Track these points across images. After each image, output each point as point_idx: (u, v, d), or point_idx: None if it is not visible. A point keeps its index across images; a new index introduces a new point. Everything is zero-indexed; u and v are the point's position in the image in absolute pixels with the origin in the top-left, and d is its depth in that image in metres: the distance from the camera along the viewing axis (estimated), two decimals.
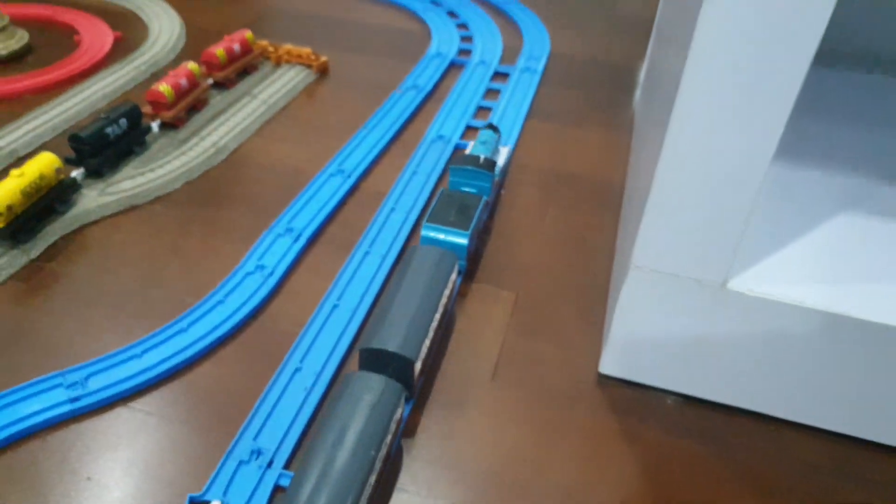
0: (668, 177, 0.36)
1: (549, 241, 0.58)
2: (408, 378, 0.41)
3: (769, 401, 0.43)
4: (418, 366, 0.41)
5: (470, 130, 0.70)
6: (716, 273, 0.38)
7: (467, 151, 0.58)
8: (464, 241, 0.50)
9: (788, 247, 0.42)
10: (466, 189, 0.55)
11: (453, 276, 0.47)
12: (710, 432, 0.43)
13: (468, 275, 0.53)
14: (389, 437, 0.37)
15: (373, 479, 0.35)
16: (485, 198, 0.54)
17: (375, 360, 0.41)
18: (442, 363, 0.46)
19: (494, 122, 0.70)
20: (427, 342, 0.43)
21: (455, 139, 0.68)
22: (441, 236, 0.50)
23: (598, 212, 0.61)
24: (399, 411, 0.38)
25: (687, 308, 0.40)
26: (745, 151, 0.34)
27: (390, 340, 0.41)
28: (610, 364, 0.45)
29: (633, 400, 0.45)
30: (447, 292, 0.46)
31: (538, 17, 0.97)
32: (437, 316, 0.44)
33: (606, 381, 0.46)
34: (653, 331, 0.42)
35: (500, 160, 0.60)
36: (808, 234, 0.43)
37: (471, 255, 0.53)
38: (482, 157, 0.56)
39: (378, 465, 0.36)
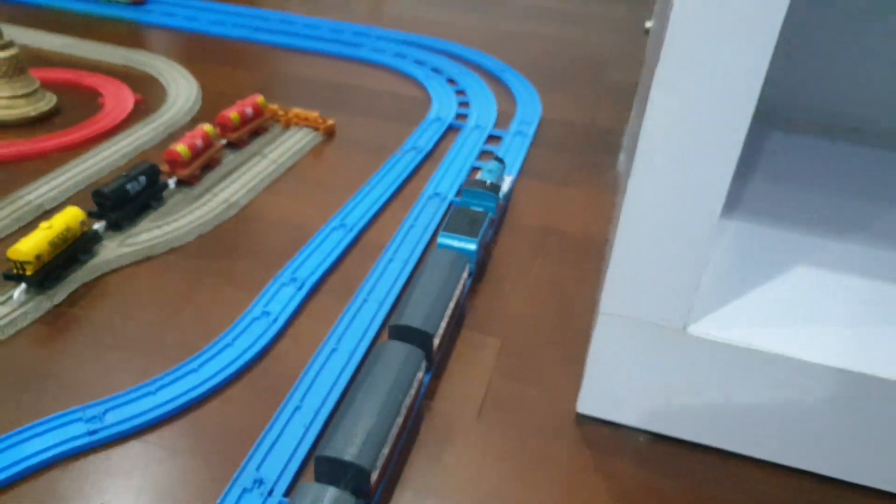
0: (630, 230, 0.40)
1: (534, 291, 0.62)
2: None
3: (732, 438, 0.46)
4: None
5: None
6: (676, 319, 0.43)
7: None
8: (473, 246, 0.60)
9: (745, 295, 0.46)
10: (475, 207, 0.64)
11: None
12: (679, 468, 0.46)
13: (458, 322, 0.57)
14: None
15: None
16: (490, 215, 0.63)
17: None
18: (431, 403, 0.50)
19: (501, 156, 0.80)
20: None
21: (451, 196, 0.73)
22: (455, 243, 0.60)
23: (582, 265, 0.65)
24: None
25: (652, 351, 0.44)
26: (695, 208, 0.38)
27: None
28: (586, 404, 0.49)
29: (607, 437, 0.48)
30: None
31: (531, 84, 1.03)
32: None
33: (584, 420, 0.49)
34: (623, 373, 0.46)
35: (505, 186, 0.71)
36: (763, 284, 0.47)
37: (479, 261, 0.62)
38: (489, 181, 0.66)
39: None
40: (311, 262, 0.62)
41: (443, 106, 0.94)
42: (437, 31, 1.22)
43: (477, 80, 1.03)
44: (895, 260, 0.50)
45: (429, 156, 0.83)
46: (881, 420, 0.42)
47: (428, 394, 0.51)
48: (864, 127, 0.69)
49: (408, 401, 0.45)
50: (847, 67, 0.67)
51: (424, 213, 0.70)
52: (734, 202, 0.55)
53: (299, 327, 0.56)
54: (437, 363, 0.53)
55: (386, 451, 0.41)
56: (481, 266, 0.64)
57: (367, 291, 0.59)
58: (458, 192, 0.73)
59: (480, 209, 0.63)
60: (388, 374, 0.45)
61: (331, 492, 0.38)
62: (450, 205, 0.72)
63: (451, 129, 0.89)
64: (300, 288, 0.59)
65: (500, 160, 0.72)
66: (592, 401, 0.49)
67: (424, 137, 0.85)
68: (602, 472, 0.46)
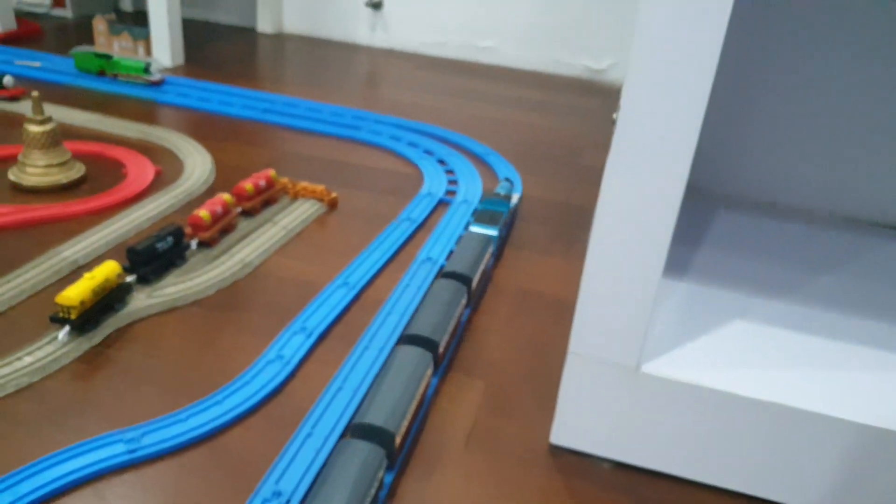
0: (592, 283, 0.50)
1: (515, 342, 0.71)
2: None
3: (684, 465, 0.54)
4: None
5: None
6: (631, 358, 0.51)
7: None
8: (495, 232, 0.84)
9: (691, 342, 0.55)
10: (493, 209, 0.90)
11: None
12: (638, 492, 0.54)
13: (448, 365, 0.66)
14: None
15: None
16: (504, 216, 0.87)
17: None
18: (421, 435, 0.58)
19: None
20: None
21: (441, 261, 0.82)
22: (483, 230, 0.83)
23: (558, 322, 0.74)
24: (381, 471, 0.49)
25: (612, 387, 0.53)
26: (641, 266, 0.48)
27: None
28: (558, 436, 0.57)
29: (576, 465, 0.56)
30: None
31: (513, 166, 1.15)
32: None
33: (557, 450, 0.57)
34: (589, 407, 0.54)
35: (513, 200, 0.95)
36: (707, 333, 0.56)
37: (501, 242, 0.85)
38: (503, 192, 0.94)
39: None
40: (319, 313, 0.71)
41: (434, 183, 1.05)
42: (428, 117, 1.34)
43: (464, 160, 1.14)
44: (815, 316, 0.60)
45: (421, 226, 0.92)
46: (804, 445, 0.50)
47: (421, 426, 0.58)
48: (794, 206, 0.80)
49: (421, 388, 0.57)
50: (778, 158, 0.79)
51: (418, 275, 0.79)
52: (683, 267, 0.65)
53: (309, 369, 0.64)
54: (429, 401, 0.61)
55: (405, 422, 0.53)
56: (468, 321, 0.73)
57: (369, 339, 0.67)
58: (480, 200, 0.99)
59: (499, 209, 0.89)
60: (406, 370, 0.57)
61: (364, 443, 0.50)
62: (474, 210, 0.95)
63: (442, 203, 0.99)
64: (309, 336, 0.67)
65: (511, 181, 1.01)
66: (564, 433, 0.57)
67: (418, 210, 0.96)
68: (571, 495, 0.54)
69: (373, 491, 0.48)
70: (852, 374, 0.53)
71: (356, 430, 0.52)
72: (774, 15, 0.73)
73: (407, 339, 0.63)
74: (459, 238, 0.82)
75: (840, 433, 0.49)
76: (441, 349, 0.63)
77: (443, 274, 0.73)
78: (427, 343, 0.62)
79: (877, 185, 0.77)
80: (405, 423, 0.54)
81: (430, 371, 0.60)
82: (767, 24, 0.73)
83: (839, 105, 0.75)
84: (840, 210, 0.80)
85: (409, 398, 0.55)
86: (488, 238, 0.81)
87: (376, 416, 0.52)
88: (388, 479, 0.52)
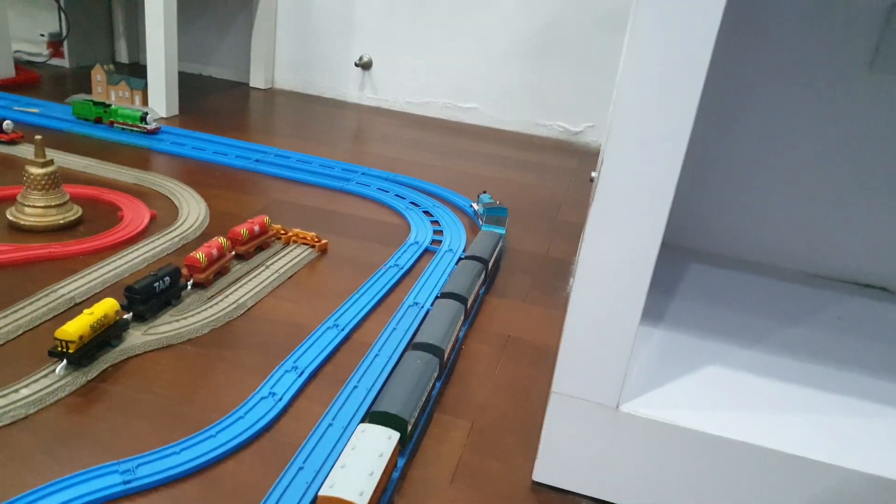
0: (574, 327, 0.53)
1: (498, 384, 0.73)
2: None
3: (662, 502, 0.57)
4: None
5: None
6: (611, 398, 0.55)
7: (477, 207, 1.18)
8: (503, 231, 1.04)
9: (667, 384, 0.58)
10: (498, 213, 1.12)
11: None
12: None
13: (434, 406, 0.68)
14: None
15: None
16: (505, 215, 1.10)
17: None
18: (409, 471, 0.60)
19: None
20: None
21: (427, 306, 0.85)
22: (493, 230, 1.03)
23: (540, 366, 0.78)
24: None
25: (593, 426, 0.56)
26: (620, 314, 0.52)
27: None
28: (541, 473, 0.59)
29: (558, 502, 0.58)
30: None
31: None
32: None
33: (539, 487, 0.59)
34: (570, 445, 0.57)
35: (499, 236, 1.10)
36: (682, 377, 0.60)
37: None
38: (489, 199, 1.17)
39: None
40: (310, 353, 0.73)
41: (420, 232, 1.09)
42: (414, 172, 1.39)
43: (449, 212, 1.19)
44: (784, 363, 0.64)
45: (408, 273, 0.96)
46: (776, 485, 0.53)
47: (408, 462, 0.60)
48: (766, 262, 0.85)
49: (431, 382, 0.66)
50: (747, 217, 0.84)
51: (405, 319, 0.82)
52: (659, 315, 0.69)
53: (300, 406, 0.66)
54: (417, 439, 0.63)
55: (416, 412, 0.61)
56: (453, 362, 0.76)
57: (357, 379, 0.70)
58: (480, 215, 1.16)
59: (502, 214, 1.11)
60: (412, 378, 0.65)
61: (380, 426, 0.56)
62: (483, 213, 1.14)
63: (428, 252, 1.03)
64: (300, 374, 0.70)
65: (485, 192, 1.23)
66: (546, 470, 0.59)
67: (404, 257, 0.99)
68: None
69: None
70: (823, 417, 0.57)
71: None
72: (745, 79, 0.79)
73: (415, 346, 0.72)
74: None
75: (810, 473, 0.52)
76: (445, 356, 0.72)
77: (466, 257, 0.93)
78: (434, 349, 0.70)
79: (842, 243, 0.83)
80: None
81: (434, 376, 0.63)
82: (739, 86, 0.80)
83: (807, 167, 0.81)
84: (806, 266, 0.85)
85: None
86: (499, 235, 1.03)
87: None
88: None
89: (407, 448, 0.61)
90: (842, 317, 0.75)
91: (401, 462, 0.60)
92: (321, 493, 0.50)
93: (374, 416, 0.59)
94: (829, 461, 0.52)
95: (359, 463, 0.53)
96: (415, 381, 0.64)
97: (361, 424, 0.58)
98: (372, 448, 0.55)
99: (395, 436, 0.56)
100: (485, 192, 1.22)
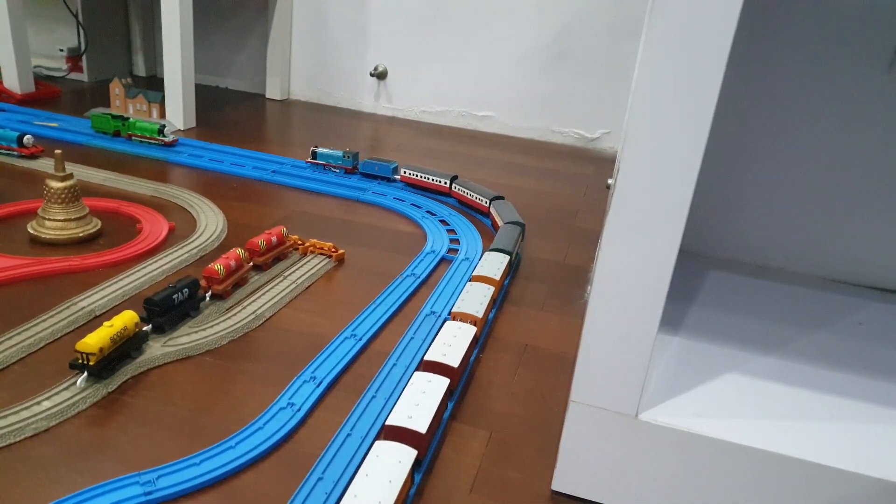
0: (592, 336, 0.53)
1: (516, 393, 0.73)
2: None
3: None
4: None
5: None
6: (630, 407, 0.54)
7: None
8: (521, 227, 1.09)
9: (686, 392, 0.58)
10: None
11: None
12: None
13: (452, 416, 0.68)
14: None
15: None
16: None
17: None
18: (428, 481, 0.60)
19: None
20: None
21: (445, 315, 0.85)
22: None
23: (558, 374, 0.77)
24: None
25: (612, 434, 0.55)
26: (639, 322, 0.51)
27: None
28: (560, 482, 0.59)
29: None
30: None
31: None
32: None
33: (558, 496, 0.59)
34: (589, 454, 0.57)
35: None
36: (701, 385, 0.59)
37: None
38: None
39: None
40: (328, 364, 0.73)
41: (436, 241, 1.09)
42: None
43: (465, 221, 1.19)
44: (805, 370, 0.63)
45: (425, 282, 0.96)
46: (796, 492, 0.53)
47: (427, 471, 0.60)
48: (785, 268, 0.84)
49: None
50: (767, 223, 0.83)
51: (422, 328, 0.82)
52: (678, 323, 0.69)
53: (319, 416, 0.66)
54: (435, 449, 0.63)
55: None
56: (471, 374, 0.76)
57: (375, 389, 0.70)
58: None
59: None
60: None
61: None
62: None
63: (444, 261, 1.03)
64: (319, 385, 0.70)
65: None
66: (565, 479, 0.59)
67: (421, 266, 0.99)
68: None
69: None
70: (845, 425, 0.56)
71: None
72: (764, 84, 0.79)
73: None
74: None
75: (831, 481, 0.52)
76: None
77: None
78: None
79: (862, 248, 0.82)
80: None
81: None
82: (757, 91, 0.79)
83: (826, 171, 0.80)
84: (826, 272, 0.84)
85: None
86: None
87: None
88: None
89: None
90: (863, 322, 0.74)
91: (418, 475, 0.60)
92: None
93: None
94: (852, 469, 0.51)
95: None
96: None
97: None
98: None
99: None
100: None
